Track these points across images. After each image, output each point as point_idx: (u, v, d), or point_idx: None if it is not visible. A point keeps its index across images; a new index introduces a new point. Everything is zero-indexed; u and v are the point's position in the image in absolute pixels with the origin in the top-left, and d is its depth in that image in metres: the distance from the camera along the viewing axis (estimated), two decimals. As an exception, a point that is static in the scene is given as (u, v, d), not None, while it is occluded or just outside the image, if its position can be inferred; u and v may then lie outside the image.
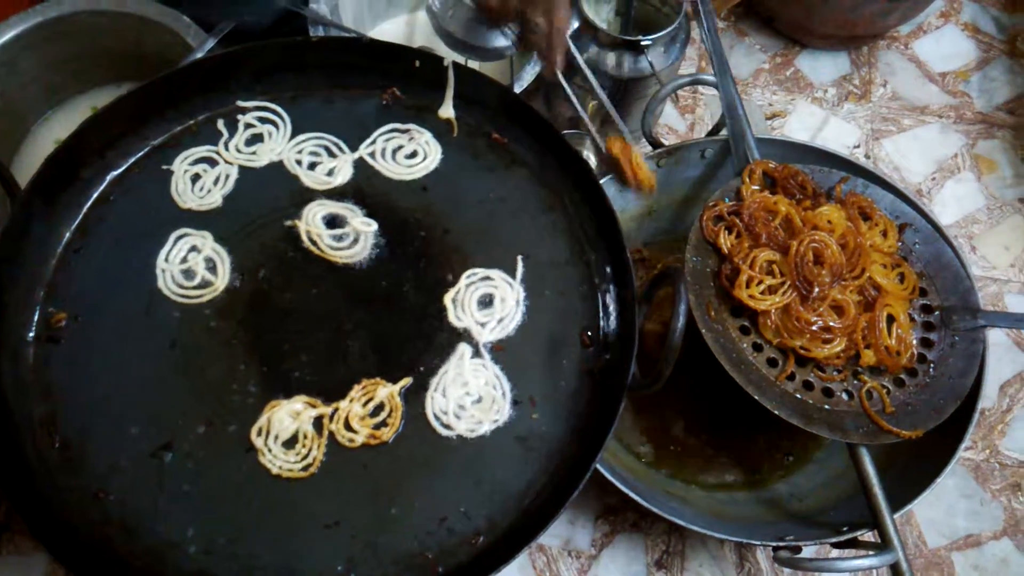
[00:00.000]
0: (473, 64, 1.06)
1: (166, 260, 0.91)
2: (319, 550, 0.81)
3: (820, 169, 1.03)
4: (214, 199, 0.94)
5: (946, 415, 0.91)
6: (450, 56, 1.01)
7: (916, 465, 0.99)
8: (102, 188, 0.94)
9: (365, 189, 0.97)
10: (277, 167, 0.97)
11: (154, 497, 0.82)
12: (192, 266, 0.91)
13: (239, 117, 0.99)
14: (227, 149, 0.97)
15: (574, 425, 0.88)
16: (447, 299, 0.91)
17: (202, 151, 0.96)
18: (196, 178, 0.95)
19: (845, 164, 1.10)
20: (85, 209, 0.93)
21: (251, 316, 0.90)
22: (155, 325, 0.89)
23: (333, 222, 0.94)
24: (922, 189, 1.40)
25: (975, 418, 0.96)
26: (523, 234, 0.96)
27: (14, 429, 0.83)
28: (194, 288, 0.90)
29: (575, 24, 1.13)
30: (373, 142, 0.99)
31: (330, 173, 0.97)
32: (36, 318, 0.88)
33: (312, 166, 0.97)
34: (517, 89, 1.14)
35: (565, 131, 1.27)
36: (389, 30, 1.32)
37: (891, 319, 0.93)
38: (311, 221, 0.93)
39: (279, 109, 0.98)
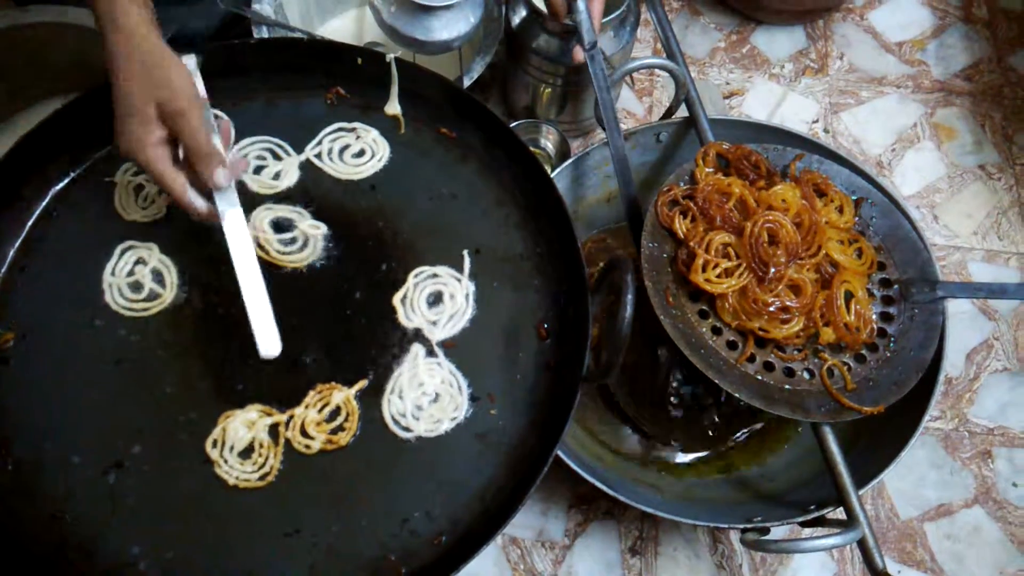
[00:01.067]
0: (422, 59, 1.04)
1: (112, 274, 0.89)
2: (280, 559, 0.80)
3: (774, 148, 1.03)
4: (158, 209, 0.93)
5: (908, 388, 0.91)
6: (396, 51, 1.00)
7: (883, 438, 1.00)
8: (44, 204, 0.93)
9: (312, 191, 0.96)
10: (222, 173, 0.95)
11: (108, 516, 0.80)
12: (139, 279, 0.89)
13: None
14: (169, 158, 0.95)
15: (533, 418, 0.87)
16: (395, 300, 0.90)
17: (145, 161, 0.95)
18: (139, 188, 0.93)
19: (800, 141, 1.10)
20: (28, 226, 0.92)
21: (201, 326, 0.89)
22: (104, 341, 0.87)
23: (281, 226, 0.93)
24: (882, 161, 1.39)
25: (938, 389, 0.96)
26: (476, 229, 0.95)
27: (-36, 454, 0.81)
28: (142, 301, 0.89)
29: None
30: (319, 143, 0.98)
31: (276, 176, 0.95)
32: (-18, 340, 0.87)
33: (258, 170, 0.96)
34: (467, 82, 1.12)
35: (518, 121, 1.26)
36: (338, 27, 1.30)
37: (849, 295, 0.93)
38: (259, 226, 0.92)
39: (221, 114, 0.97)
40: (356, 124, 0.99)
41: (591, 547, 1.11)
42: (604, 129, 1.02)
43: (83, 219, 0.93)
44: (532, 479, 0.80)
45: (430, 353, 0.89)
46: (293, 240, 0.92)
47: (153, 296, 0.89)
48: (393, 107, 1.00)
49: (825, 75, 1.46)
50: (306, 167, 0.97)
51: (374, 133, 0.98)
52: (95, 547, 0.80)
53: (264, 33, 1.13)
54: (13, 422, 0.84)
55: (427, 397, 0.87)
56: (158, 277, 0.90)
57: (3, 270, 0.90)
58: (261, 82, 0.99)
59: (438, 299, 0.91)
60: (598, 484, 0.94)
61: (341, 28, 1.30)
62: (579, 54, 1.04)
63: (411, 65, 0.98)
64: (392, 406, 0.86)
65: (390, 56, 0.97)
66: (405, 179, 0.97)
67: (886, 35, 1.51)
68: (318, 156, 0.97)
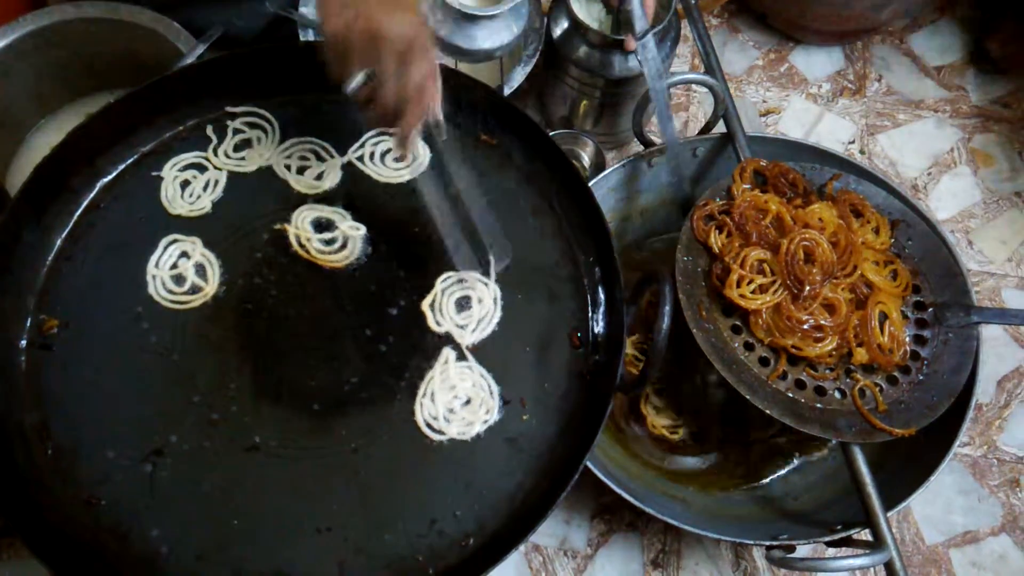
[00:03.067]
0: (463, 66, 1.06)
1: (156, 266, 0.91)
2: (310, 555, 0.82)
3: (812, 166, 1.03)
4: (203, 205, 0.94)
5: (940, 412, 0.91)
6: (438, 58, 1.01)
7: (911, 462, 0.99)
8: (92, 195, 0.95)
9: (354, 193, 0.97)
10: (266, 172, 0.97)
11: (145, 503, 0.82)
12: (182, 272, 0.91)
13: (228, 123, 0.99)
14: (216, 155, 0.97)
15: (564, 426, 0.88)
16: (424, 305, 0.91)
17: (191, 157, 0.96)
18: (185, 184, 0.95)
19: (838, 161, 1.10)
20: (76, 217, 0.94)
21: (241, 321, 0.90)
22: (146, 331, 0.89)
23: (322, 226, 0.94)
24: (918, 184, 1.39)
25: (969, 415, 0.96)
26: (512, 237, 0.96)
27: (6, 436, 0.83)
28: (184, 294, 0.90)
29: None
30: (362, 145, 0.99)
31: (319, 177, 0.97)
32: (28, 325, 0.89)
33: (301, 170, 0.97)
34: (507, 91, 1.14)
35: (556, 132, 1.27)
36: (381, 33, 1.31)
37: (884, 316, 0.93)
38: (300, 225, 0.93)
39: (267, 114, 0.98)
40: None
41: (613, 558, 1.11)
42: (637, 133, 1.03)
43: (129, 212, 0.94)
44: (561, 486, 0.81)
45: (461, 357, 0.90)
46: (333, 240, 0.94)
47: (195, 289, 0.91)
48: (436, 113, 1.01)
49: (862, 96, 1.46)
50: (348, 169, 0.98)
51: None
52: (129, 532, 0.81)
53: (310, 36, 1.15)
54: (54, 408, 0.86)
55: (459, 400, 0.88)
56: (201, 271, 0.91)
57: (50, 259, 0.91)
58: (307, 84, 1.00)
59: (466, 304, 0.92)
60: (623, 494, 0.94)
61: (383, 34, 1.32)
62: (631, 43, 1.05)
63: (454, 72, 0.99)
64: (425, 409, 0.87)
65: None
66: (444, 185, 0.98)
67: (925, 59, 1.51)
68: (360, 159, 0.98)
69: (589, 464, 0.92)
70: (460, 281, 0.92)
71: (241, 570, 0.80)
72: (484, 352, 0.91)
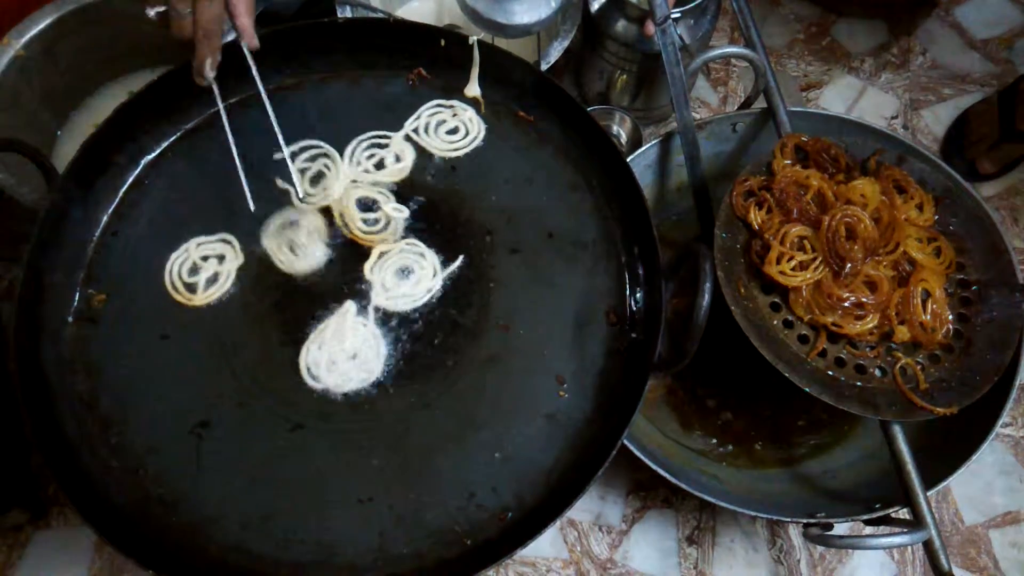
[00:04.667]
0: (500, 42, 1.05)
1: (198, 245, 0.93)
2: (352, 525, 0.83)
3: (854, 142, 1.01)
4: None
5: (982, 392, 0.89)
6: (476, 34, 1.01)
7: (952, 442, 0.98)
8: (137, 172, 0.96)
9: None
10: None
11: (192, 473, 0.84)
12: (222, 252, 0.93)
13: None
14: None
15: (601, 403, 0.88)
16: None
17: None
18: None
19: (881, 136, 1.08)
20: (121, 193, 0.95)
21: (283, 297, 0.91)
22: (191, 305, 0.91)
23: (366, 205, 0.95)
24: (962, 160, 1.36)
25: (1013, 394, 0.95)
26: (550, 213, 0.96)
27: (57, 408, 0.85)
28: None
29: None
30: (417, 117, 1.00)
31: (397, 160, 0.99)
32: (76, 299, 0.90)
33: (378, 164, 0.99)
34: (544, 66, 1.13)
35: (593, 107, 1.26)
36: (417, 8, 1.32)
37: (926, 294, 0.91)
38: (347, 202, 0.94)
39: (326, 147, 0.99)
40: (454, 101, 1.01)
41: (648, 534, 1.11)
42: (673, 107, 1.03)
43: (173, 188, 0.96)
44: (599, 463, 0.81)
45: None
46: (376, 220, 0.94)
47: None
48: (473, 89, 1.01)
49: (906, 71, 1.43)
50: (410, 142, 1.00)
51: (471, 112, 1.00)
52: (176, 502, 0.83)
53: (347, 12, 1.15)
54: (102, 379, 0.87)
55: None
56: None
57: (97, 234, 0.93)
58: (345, 61, 1.01)
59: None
60: (659, 471, 0.94)
61: (420, 9, 1.32)
62: (649, 28, 1.04)
63: (492, 48, 0.99)
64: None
65: (473, 38, 0.99)
66: (482, 162, 0.99)
67: (971, 32, 1.47)
68: (416, 131, 1.00)
69: (625, 441, 0.93)
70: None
71: (285, 539, 0.82)
72: (522, 326, 0.91)
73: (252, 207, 0.91)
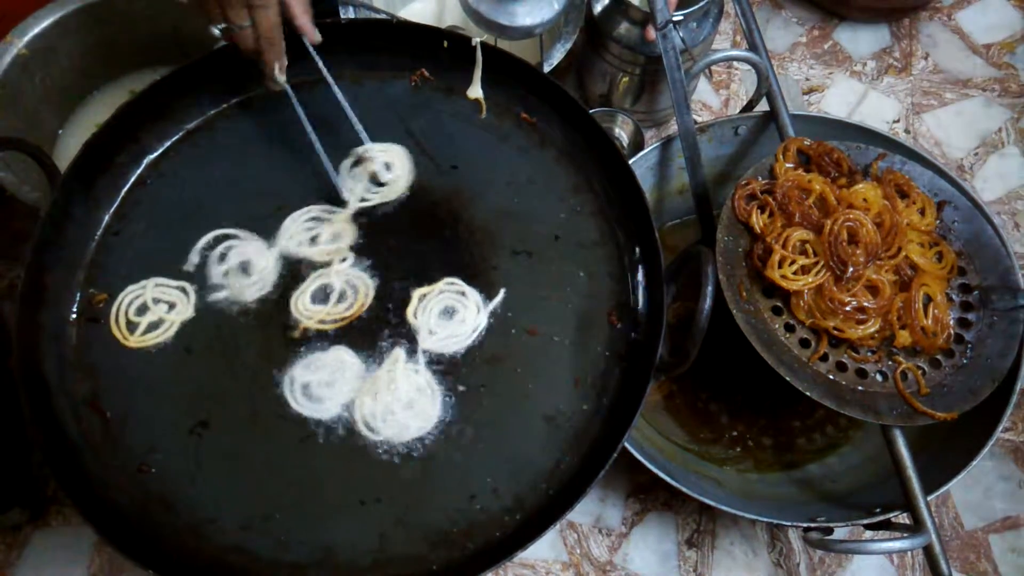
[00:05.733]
0: (502, 43, 1.05)
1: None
2: (352, 527, 0.83)
3: (856, 146, 1.01)
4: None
5: (983, 397, 0.90)
6: (479, 35, 1.01)
7: (952, 447, 0.98)
8: (139, 172, 0.96)
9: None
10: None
11: (192, 474, 0.84)
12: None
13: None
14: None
15: (602, 405, 0.88)
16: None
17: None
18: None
19: (883, 140, 1.08)
20: (123, 193, 0.95)
21: (283, 298, 0.92)
22: (191, 305, 0.90)
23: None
24: (964, 165, 1.36)
25: (1014, 399, 0.95)
26: (552, 215, 0.96)
27: (58, 408, 0.85)
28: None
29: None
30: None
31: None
32: (77, 299, 0.91)
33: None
34: (546, 68, 1.13)
35: (595, 109, 1.26)
36: (419, 9, 1.31)
37: (928, 299, 0.91)
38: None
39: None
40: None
41: (648, 537, 1.11)
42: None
43: (174, 188, 0.96)
44: (599, 465, 0.81)
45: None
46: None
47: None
48: (475, 91, 1.01)
49: (908, 75, 1.43)
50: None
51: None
52: (175, 502, 0.83)
53: (350, 13, 1.15)
54: (103, 379, 0.88)
55: None
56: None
57: (99, 233, 0.93)
58: (348, 62, 1.01)
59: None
60: (659, 473, 0.94)
61: (422, 10, 1.32)
62: (651, 33, 1.04)
63: (496, 49, 0.99)
64: None
65: (476, 40, 0.99)
66: (484, 163, 0.99)
67: (974, 36, 1.47)
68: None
69: (625, 443, 0.93)
70: (460, 293, 0.93)
71: (285, 540, 0.82)
72: (524, 328, 0.91)
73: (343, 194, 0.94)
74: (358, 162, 0.97)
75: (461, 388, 0.88)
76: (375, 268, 0.93)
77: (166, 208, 0.95)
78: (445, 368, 0.89)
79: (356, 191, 0.95)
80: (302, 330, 0.89)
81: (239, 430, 0.86)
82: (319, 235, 0.94)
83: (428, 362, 0.89)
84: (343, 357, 0.89)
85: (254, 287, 0.91)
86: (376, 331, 0.90)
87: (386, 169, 0.97)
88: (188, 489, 0.84)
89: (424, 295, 0.92)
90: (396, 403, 0.86)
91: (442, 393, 0.88)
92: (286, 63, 0.90)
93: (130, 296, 0.90)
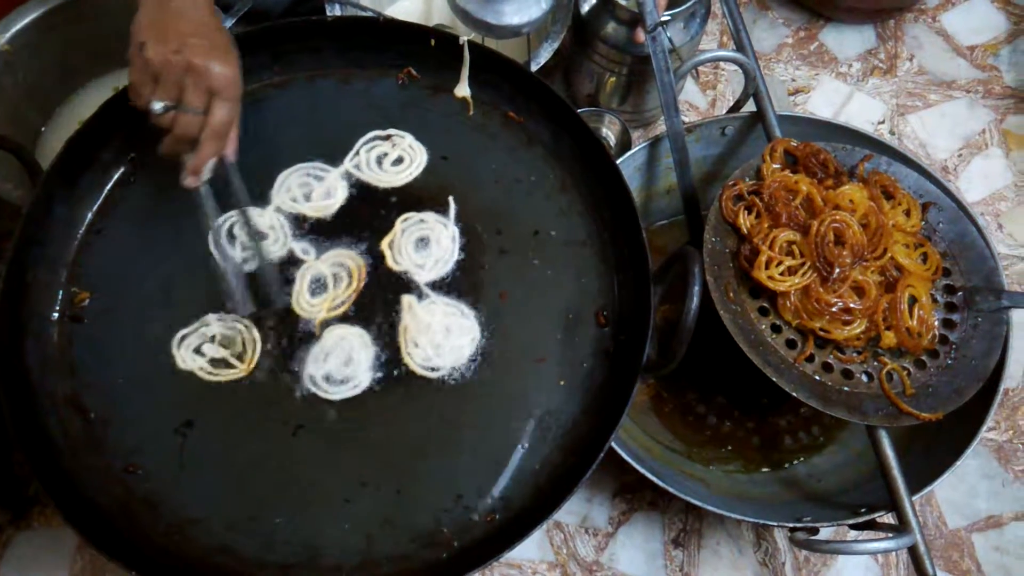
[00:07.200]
0: (490, 42, 1.05)
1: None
2: (339, 527, 0.83)
3: (843, 147, 1.02)
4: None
5: (967, 397, 0.90)
6: (466, 34, 1.01)
7: (937, 446, 0.99)
8: (122, 170, 0.95)
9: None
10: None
11: (176, 474, 0.83)
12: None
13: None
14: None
15: (589, 404, 0.88)
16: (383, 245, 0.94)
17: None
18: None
19: (869, 141, 1.08)
20: (106, 191, 0.94)
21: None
22: (176, 305, 0.90)
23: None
24: (948, 166, 1.37)
25: (997, 399, 0.95)
26: (539, 213, 0.96)
27: (39, 407, 0.85)
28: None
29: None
30: (357, 153, 0.99)
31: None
32: (60, 298, 0.90)
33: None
34: (534, 68, 1.13)
35: (582, 109, 1.26)
36: (407, 8, 1.31)
37: (913, 300, 0.92)
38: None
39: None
40: (391, 131, 1.00)
41: (634, 536, 1.11)
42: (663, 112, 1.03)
43: (159, 186, 0.95)
44: (586, 465, 0.81)
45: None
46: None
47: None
48: (463, 90, 1.01)
49: (893, 76, 1.44)
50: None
51: (409, 139, 0.99)
52: (160, 502, 0.83)
53: (336, 11, 1.14)
54: (86, 379, 0.87)
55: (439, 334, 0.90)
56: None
57: (81, 232, 0.92)
58: (335, 60, 1.00)
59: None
60: (646, 473, 0.94)
61: (410, 9, 1.31)
62: (640, 35, 1.04)
63: (483, 48, 0.99)
64: (414, 356, 0.89)
65: (463, 39, 0.98)
66: (471, 162, 0.98)
67: (958, 38, 1.48)
68: (357, 167, 0.98)
69: (612, 443, 0.93)
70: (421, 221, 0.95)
71: (271, 540, 0.82)
72: (509, 327, 0.91)
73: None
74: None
75: (479, 303, 0.92)
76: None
77: (150, 207, 0.94)
78: (450, 288, 0.92)
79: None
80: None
81: (225, 429, 0.85)
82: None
83: (435, 290, 0.92)
84: (340, 334, 0.89)
85: (276, 243, 0.93)
86: (376, 296, 0.91)
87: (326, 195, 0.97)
88: (172, 489, 0.83)
89: (390, 242, 0.93)
90: (438, 335, 0.89)
91: (467, 305, 0.91)
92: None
93: None
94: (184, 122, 0.79)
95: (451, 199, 0.95)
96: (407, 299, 0.91)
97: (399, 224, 0.94)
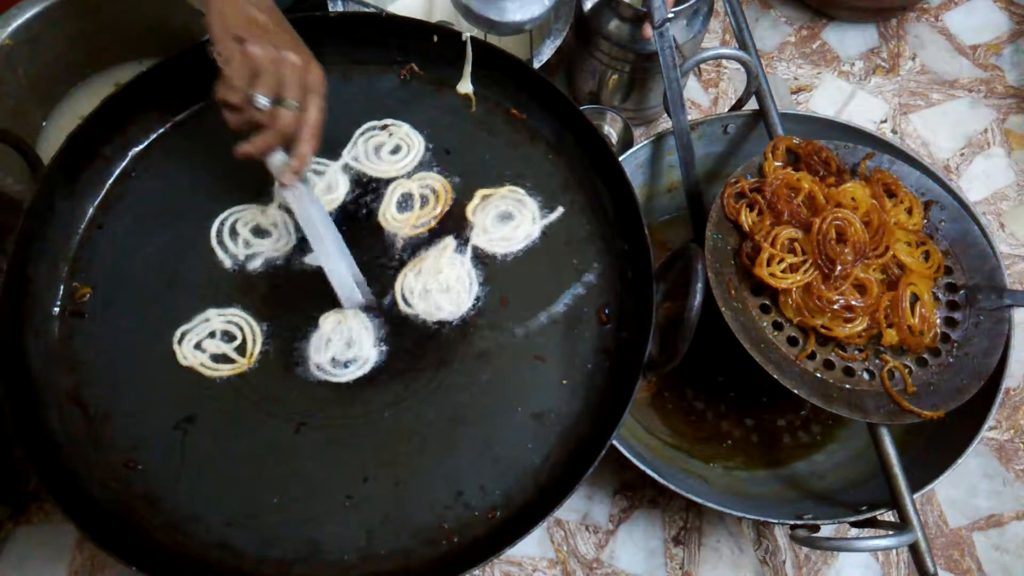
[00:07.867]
0: (492, 39, 1.05)
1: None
2: (339, 523, 0.83)
3: (845, 145, 1.02)
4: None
5: (969, 395, 0.90)
6: (469, 30, 1.01)
7: (938, 445, 0.99)
8: (124, 165, 0.95)
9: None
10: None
11: (176, 469, 0.83)
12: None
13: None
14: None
15: (591, 402, 0.88)
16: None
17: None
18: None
19: (871, 140, 1.08)
20: (107, 186, 0.94)
21: (270, 294, 0.91)
22: (177, 300, 0.90)
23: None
24: (950, 165, 1.37)
25: (999, 398, 0.95)
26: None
27: (40, 402, 0.84)
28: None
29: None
30: (355, 145, 0.99)
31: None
32: (61, 292, 0.90)
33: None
34: (536, 64, 1.13)
35: (584, 107, 1.26)
36: (409, 4, 1.31)
37: (915, 298, 0.92)
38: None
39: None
40: (387, 120, 1.00)
41: (634, 534, 1.11)
42: (668, 112, 1.03)
43: (160, 181, 0.95)
44: (587, 463, 0.81)
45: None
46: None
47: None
48: (465, 86, 1.01)
49: (896, 75, 1.44)
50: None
51: (406, 127, 1.00)
52: (159, 498, 0.83)
53: (339, 6, 1.14)
54: (87, 374, 0.87)
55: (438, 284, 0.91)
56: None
57: (83, 227, 0.92)
58: (337, 55, 1.00)
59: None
60: (646, 470, 0.94)
61: (412, 5, 1.31)
62: (648, 31, 1.04)
63: (486, 44, 0.99)
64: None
65: (466, 35, 0.98)
66: (474, 158, 0.98)
67: (960, 37, 1.48)
68: (355, 158, 0.99)
69: (614, 441, 0.92)
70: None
71: (271, 537, 0.82)
72: (513, 325, 0.91)
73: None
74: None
75: (495, 288, 0.93)
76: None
77: (151, 202, 0.94)
78: (487, 267, 0.93)
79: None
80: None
81: (226, 425, 0.85)
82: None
83: (473, 256, 0.93)
84: (337, 319, 0.89)
85: (280, 241, 0.93)
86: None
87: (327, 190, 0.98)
88: (172, 485, 0.83)
89: (487, 195, 0.96)
90: (435, 284, 0.91)
91: (479, 281, 0.92)
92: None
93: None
94: (285, 117, 0.80)
95: (560, 209, 0.97)
96: (448, 240, 0.94)
97: (505, 188, 0.97)
